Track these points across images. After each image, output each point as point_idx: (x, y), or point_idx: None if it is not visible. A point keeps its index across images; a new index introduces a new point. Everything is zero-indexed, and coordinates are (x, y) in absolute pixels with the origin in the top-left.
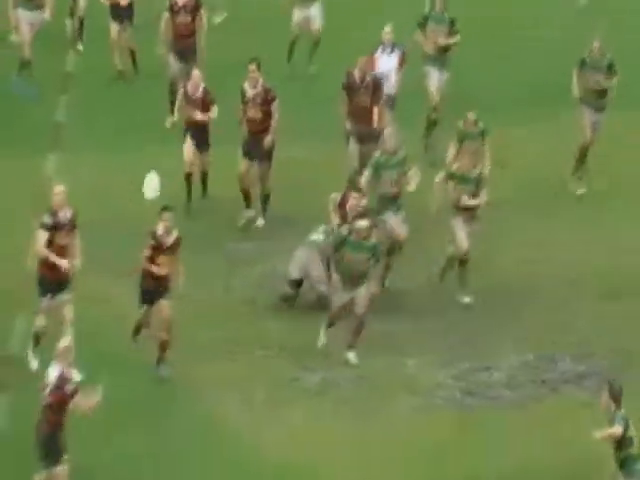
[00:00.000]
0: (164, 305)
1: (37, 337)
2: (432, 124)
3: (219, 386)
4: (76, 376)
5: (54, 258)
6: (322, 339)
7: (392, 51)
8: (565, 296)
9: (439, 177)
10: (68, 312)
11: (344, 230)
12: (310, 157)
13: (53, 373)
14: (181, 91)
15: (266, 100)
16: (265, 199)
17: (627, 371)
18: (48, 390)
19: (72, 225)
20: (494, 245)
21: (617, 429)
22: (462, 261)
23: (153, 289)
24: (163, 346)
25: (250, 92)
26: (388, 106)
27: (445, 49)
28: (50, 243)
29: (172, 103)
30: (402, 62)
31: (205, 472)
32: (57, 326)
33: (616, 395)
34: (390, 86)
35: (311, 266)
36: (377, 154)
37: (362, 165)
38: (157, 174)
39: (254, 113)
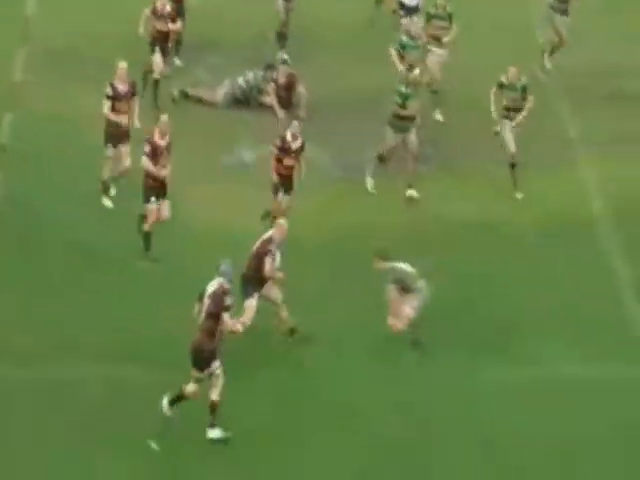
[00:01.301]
0: (286, 199)
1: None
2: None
3: None
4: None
5: (113, 117)
6: (370, 182)
7: None
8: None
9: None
10: (126, 160)
11: (402, 87)
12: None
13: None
14: (148, 9)
15: None
16: (178, 45)
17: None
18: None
19: (131, 94)
20: None
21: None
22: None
23: (280, 184)
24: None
25: None
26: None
27: None
28: (113, 108)
29: None
30: None
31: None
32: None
33: (383, 256)
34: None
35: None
36: (403, 37)
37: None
38: None
39: None
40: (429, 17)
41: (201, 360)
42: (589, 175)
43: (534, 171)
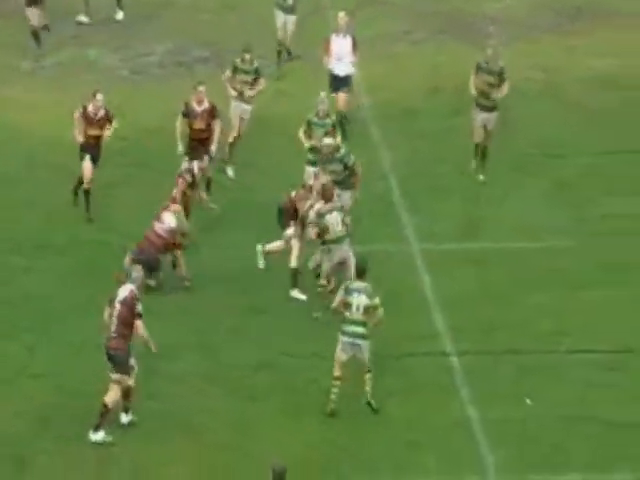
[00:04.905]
0: None
1: None
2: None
3: None
4: None
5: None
6: None
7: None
8: None
9: None
10: None
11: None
12: None
13: None
14: (79, 113)
15: None
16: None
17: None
18: None
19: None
20: None
21: None
22: None
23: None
24: None
25: None
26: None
27: None
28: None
29: None
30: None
31: None
32: None
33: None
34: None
35: None
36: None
37: None
38: None
39: None
40: (235, 70)
41: (121, 363)
42: None
43: None
